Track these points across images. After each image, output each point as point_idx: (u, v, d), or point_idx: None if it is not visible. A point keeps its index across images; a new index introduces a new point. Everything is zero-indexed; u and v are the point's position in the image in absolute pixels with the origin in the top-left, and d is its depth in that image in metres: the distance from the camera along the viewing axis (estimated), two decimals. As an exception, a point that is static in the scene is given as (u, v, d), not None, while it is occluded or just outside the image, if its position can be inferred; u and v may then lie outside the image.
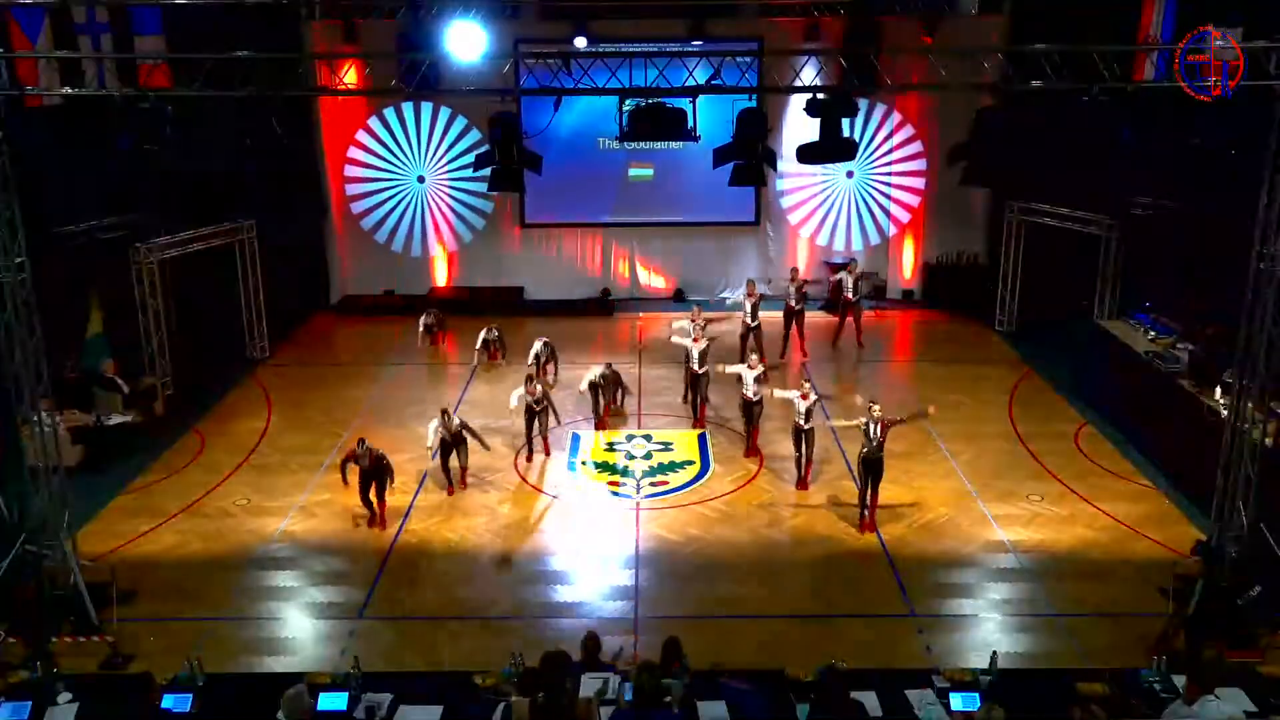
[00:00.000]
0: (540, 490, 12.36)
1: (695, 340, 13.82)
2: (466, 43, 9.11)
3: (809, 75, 14.07)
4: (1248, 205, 8.92)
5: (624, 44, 16.32)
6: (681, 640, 7.27)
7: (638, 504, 11.97)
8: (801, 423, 11.94)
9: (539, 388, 12.95)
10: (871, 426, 10.90)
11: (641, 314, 19.56)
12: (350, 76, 12.83)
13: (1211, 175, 13.06)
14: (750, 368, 12.86)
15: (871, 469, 11.08)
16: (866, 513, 11.22)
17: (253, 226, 16.81)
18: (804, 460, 12.18)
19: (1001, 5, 18.55)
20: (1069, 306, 17.36)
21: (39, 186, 12.19)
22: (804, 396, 11.86)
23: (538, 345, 15.09)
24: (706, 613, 9.75)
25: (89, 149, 13.36)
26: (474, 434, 12.17)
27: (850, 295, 17.09)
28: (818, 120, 9.77)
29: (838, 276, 17.52)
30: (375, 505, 11.33)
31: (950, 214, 19.91)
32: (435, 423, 12.01)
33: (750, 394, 12.83)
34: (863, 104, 19.25)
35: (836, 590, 10.12)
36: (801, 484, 12.21)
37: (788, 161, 12.40)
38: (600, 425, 14.10)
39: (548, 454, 13.22)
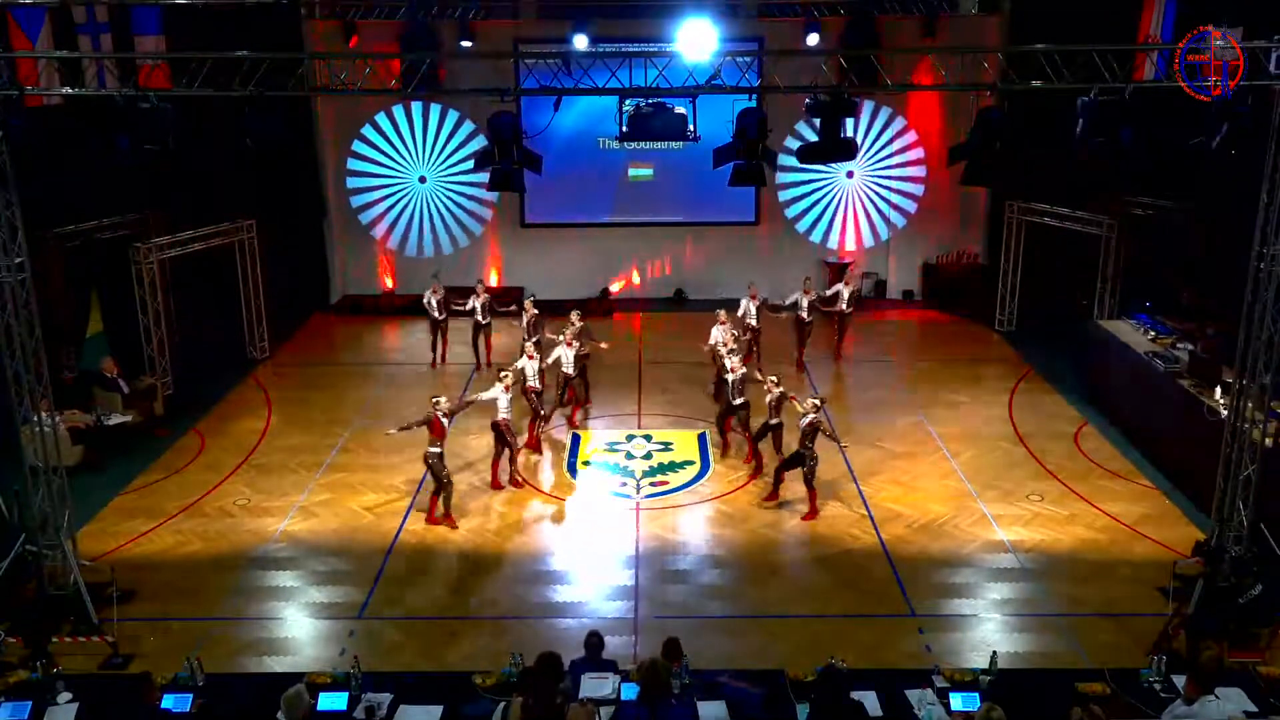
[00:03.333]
0: (540, 490, 12.35)
1: (731, 346, 13.77)
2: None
3: (808, 75, 14.15)
4: (1248, 205, 8.93)
5: (624, 44, 16.42)
6: (681, 640, 7.27)
7: (638, 504, 11.97)
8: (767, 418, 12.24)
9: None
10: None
11: (642, 314, 19.56)
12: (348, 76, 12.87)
13: (1211, 175, 13.08)
14: (731, 371, 12.84)
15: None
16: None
17: (253, 226, 16.80)
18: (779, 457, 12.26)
19: (1001, 5, 18.56)
20: (1069, 306, 17.38)
21: (39, 186, 12.20)
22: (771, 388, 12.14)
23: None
24: (706, 613, 9.75)
25: (89, 149, 13.37)
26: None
27: (845, 308, 16.48)
28: (818, 120, 9.77)
29: (834, 289, 16.75)
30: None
31: (950, 214, 19.92)
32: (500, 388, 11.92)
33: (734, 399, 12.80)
34: (871, 105, 19.27)
35: (836, 590, 10.11)
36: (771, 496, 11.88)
37: (788, 161, 12.40)
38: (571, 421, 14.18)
39: (540, 451, 13.40)
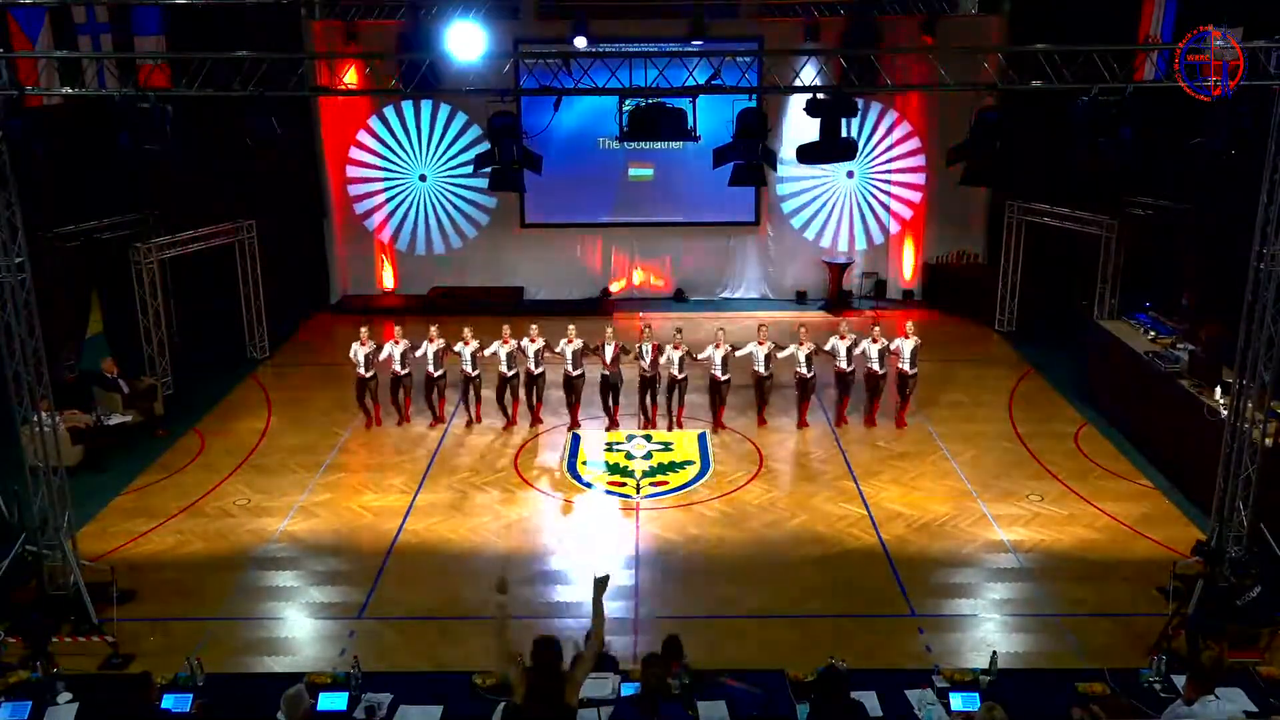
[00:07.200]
0: (540, 490, 12.35)
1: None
2: (466, 43, 9.09)
3: (809, 75, 14.16)
4: (1248, 205, 8.93)
5: (624, 44, 16.42)
6: (681, 640, 7.26)
7: (638, 504, 11.97)
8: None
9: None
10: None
11: (642, 314, 19.55)
12: (350, 76, 12.88)
13: (1211, 175, 13.07)
14: (716, 346, 13.69)
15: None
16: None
17: (252, 226, 16.81)
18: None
19: (1001, 5, 18.56)
20: (1069, 306, 17.38)
21: (39, 186, 12.22)
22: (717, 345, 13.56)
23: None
24: (706, 613, 9.75)
25: (89, 149, 13.39)
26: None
27: (908, 368, 13.89)
28: (818, 120, 9.77)
29: (895, 346, 13.86)
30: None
31: (950, 214, 19.92)
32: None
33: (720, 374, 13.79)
34: (863, 104, 19.26)
35: (836, 590, 10.10)
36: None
37: (788, 162, 12.40)
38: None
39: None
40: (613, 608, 9.84)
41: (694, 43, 17.76)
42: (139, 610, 9.61)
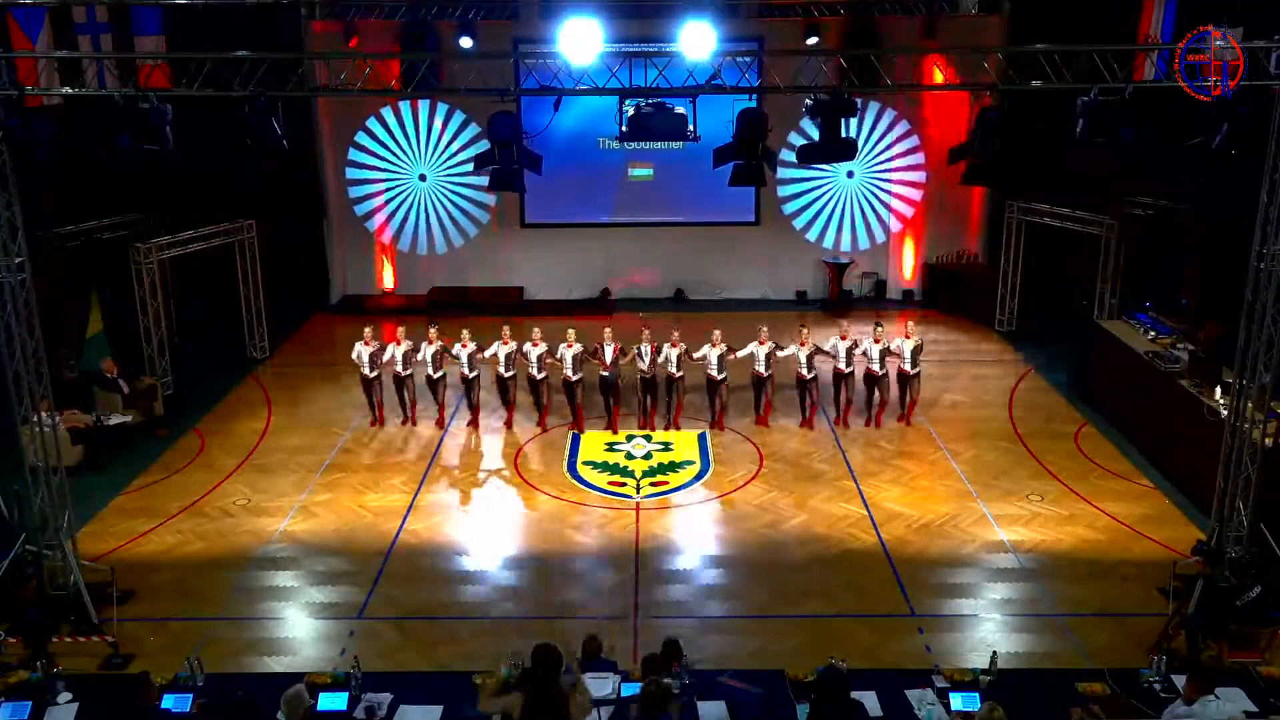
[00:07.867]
0: (540, 490, 12.35)
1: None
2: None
3: (808, 75, 14.15)
4: (1248, 205, 8.93)
5: (625, 44, 16.41)
6: (681, 640, 7.27)
7: (638, 504, 11.97)
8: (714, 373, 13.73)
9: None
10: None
11: (641, 314, 19.55)
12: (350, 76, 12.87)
13: (1211, 175, 13.08)
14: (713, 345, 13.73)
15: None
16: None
17: (252, 226, 16.81)
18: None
19: (1001, 5, 18.56)
20: (1069, 306, 17.38)
21: (39, 186, 12.20)
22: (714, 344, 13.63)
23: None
24: (706, 613, 9.75)
25: (89, 149, 13.37)
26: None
27: (909, 368, 13.94)
28: (818, 120, 9.77)
29: (896, 347, 13.92)
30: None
31: (950, 214, 19.92)
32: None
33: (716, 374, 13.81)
34: (865, 104, 19.27)
35: (836, 590, 10.10)
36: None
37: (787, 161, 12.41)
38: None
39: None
40: (613, 608, 9.85)
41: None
42: (139, 610, 9.61)
